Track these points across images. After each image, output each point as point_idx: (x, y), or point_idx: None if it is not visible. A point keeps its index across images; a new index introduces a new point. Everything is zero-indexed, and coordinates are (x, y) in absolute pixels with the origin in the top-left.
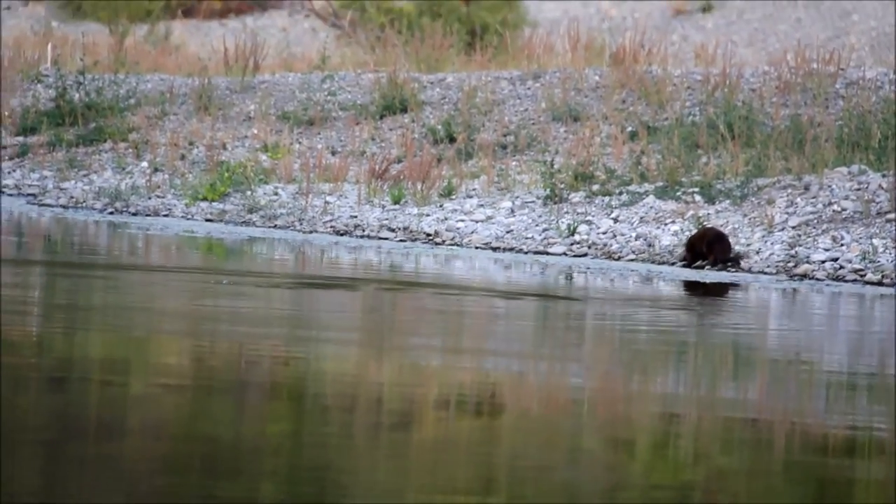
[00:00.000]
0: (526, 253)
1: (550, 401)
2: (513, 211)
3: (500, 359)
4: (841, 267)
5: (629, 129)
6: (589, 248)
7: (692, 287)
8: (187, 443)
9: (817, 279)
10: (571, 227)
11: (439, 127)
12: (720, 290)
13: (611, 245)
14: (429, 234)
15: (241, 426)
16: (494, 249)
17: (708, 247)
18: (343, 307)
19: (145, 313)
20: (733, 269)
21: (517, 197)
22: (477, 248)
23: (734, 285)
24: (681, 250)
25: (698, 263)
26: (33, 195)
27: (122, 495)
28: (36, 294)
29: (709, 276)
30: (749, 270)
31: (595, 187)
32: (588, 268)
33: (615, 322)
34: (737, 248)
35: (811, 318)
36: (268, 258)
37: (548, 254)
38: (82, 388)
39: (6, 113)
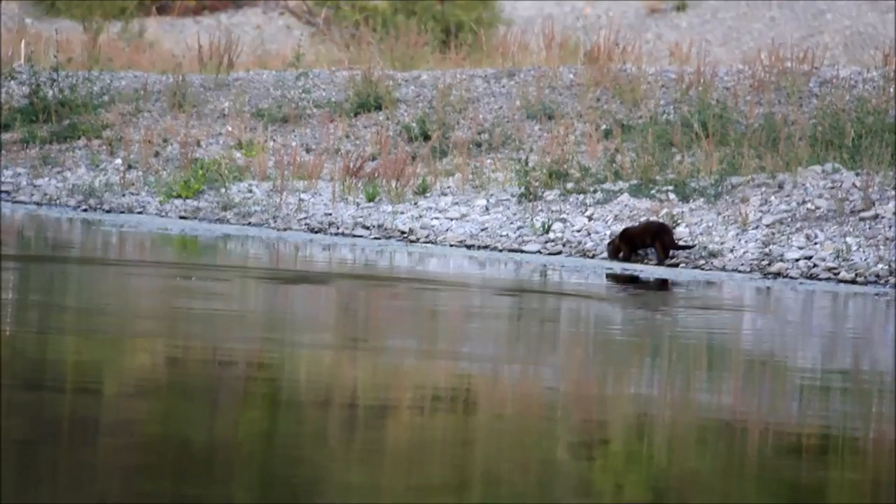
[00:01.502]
0: (500, 251)
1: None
2: (487, 209)
3: (447, 358)
4: (815, 265)
5: (603, 127)
6: (563, 246)
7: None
8: (157, 446)
9: (791, 277)
10: (546, 225)
11: (414, 125)
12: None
13: (585, 243)
14: (403, 232)
15: (208, 427)
16: (469, 247)
17: (654, 238)
18: (302, 303)
19: (111, 311)
20: (685, 258)
21: (492, 195)
22: (451, 245)
23: (708, 282)
24: (606, 246)
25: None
26: (7, 192)
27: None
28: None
29: (683, 273)
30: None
31: (569, 185)
32: (562, 265)
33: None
34: (711, 245)
35: (784, 316)
36: (240, 255)
37: (522, 252)
38: (47, 390)
39: None
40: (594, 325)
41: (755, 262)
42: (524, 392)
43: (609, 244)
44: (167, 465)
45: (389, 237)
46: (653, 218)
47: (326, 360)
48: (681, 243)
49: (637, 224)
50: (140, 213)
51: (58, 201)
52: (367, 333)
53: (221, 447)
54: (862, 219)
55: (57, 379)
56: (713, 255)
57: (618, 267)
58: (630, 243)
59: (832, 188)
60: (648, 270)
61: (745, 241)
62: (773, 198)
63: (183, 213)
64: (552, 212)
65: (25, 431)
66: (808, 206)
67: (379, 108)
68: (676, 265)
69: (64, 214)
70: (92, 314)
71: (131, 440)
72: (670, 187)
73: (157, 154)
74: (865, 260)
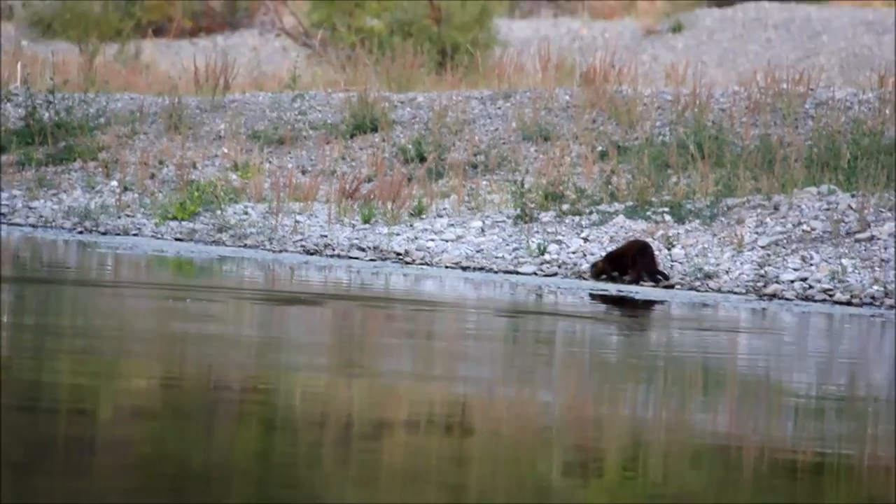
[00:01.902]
0: (496, 272)
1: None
2: (483, 230)
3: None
4: (810, 287)
5: (599, 148)
6: (559, 267)
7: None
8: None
9: (787, 299)
10: (541, 247)
11: (410, 146)
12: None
13: (581, 265)
14: (399, 254)
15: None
16: (464, 269)
17: (632, 260)
18: (296, 325)
19: (106, 333)
20: (660, 283)
21: (487, 216)
22: (447, 267)
23: (704, 304)
24: (590, 268)
25: (624, 277)
26: (2, 214)
27: None
28: None
29: (678, 295)
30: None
31: (565, 207)
32: (558, 287)
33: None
34: (706, 267)
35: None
36: (235, 277)
37: (518, 273)
38: (39, 413)
39: None
40: (560, 344)
41: (751, 283)
42: (511, 412)
43: (592, 266)
44: (161, 487)
45: (385, 259)
46: (640, 237)
47: (319, 383)
48: (660, 270)
49: (621, 245)
50: (136, 235)
51: (53, 223)
52: (360, 355)
53: (216, 468)
54: (857, 240)
55: (50, 401)
56: (709, 276)
57: (613, 288)
58: (616, 263)
59: (828, 210)
60: (643, 292)
61: (741, 263)
62: (768, 219)
63: (179, 235)
64: (548, 233)
65: (18, 454)
66: (804, 227)
67: (375, 129)
68: (672, 286)
69: (60, 237)
70: (86, 336)
71: (125, 462)
72: (666, 209)
73: (152, 176)
74: (861, 282)
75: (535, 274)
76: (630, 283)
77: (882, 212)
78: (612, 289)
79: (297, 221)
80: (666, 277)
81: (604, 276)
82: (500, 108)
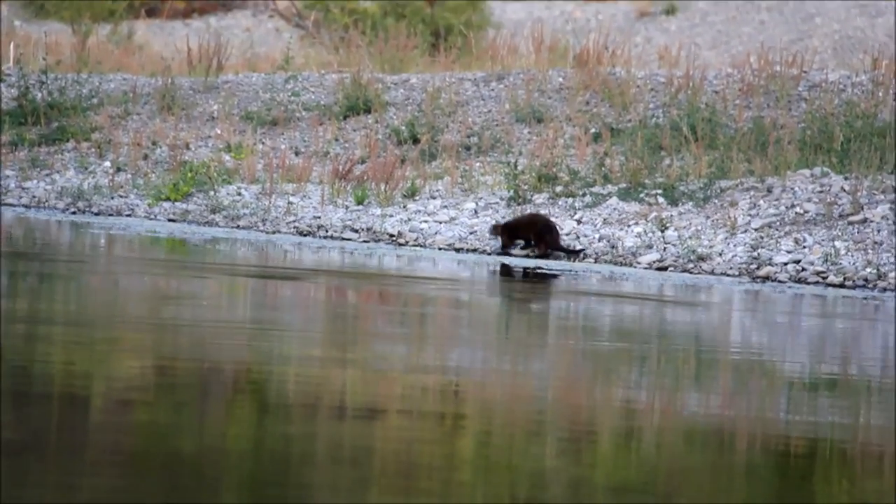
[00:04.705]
0: (489, 254)
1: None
2: (476, 212)
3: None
4: (803, 269)
5: (593, 130)
6: None
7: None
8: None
9: (780, 281)
10: None
11: (403, 128)
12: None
13: (573, 246)
14: (392, 235)
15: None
16: (458, 250)
17: (538, 236)
18: (288, 305)
19: (99, 312)
20: (568, 258)
21: (481, 198)
22: (440, 249)
23: (694, 286)
24: (490, 228)
25: (517, 252)
26: None
27: None
28: None
29: (671, 277)
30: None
31: (558, 189)
32: (550, 269)
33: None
34: (699, 249)
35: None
36: (228, 258)
37: (511, 255)
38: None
39: None
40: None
41: (744, 265)
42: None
43: (493, 227)
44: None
45: (378, 240)
46: (542, 212)
47: (312, 364)
48: (566, 245)
49: (522, 216)
50: (129, 215)
51: (46, 204)
52: (348, 333)
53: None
54: (850, 223)
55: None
56: (702, 258)
57: (606, 270)
58: (511, 234)
59: (821, 192)
60: (636, 274)
61: (734, 245)
62: (761, 202)
63: (172, 216)
64: None
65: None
66: (797, 210)
67: (368, 111)
68: (665, 268)
69: (52, 217)
70: (79, 316)
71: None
72: (659, 191)
73: (145, 157)
74: (854, 264)
75: (528, 256)
76: (537, 257)
77: (875, 194)
78: (605, 270)
79: (290, 203)
80: (578, 252)
81: (500, 243)
82: (493, 89)
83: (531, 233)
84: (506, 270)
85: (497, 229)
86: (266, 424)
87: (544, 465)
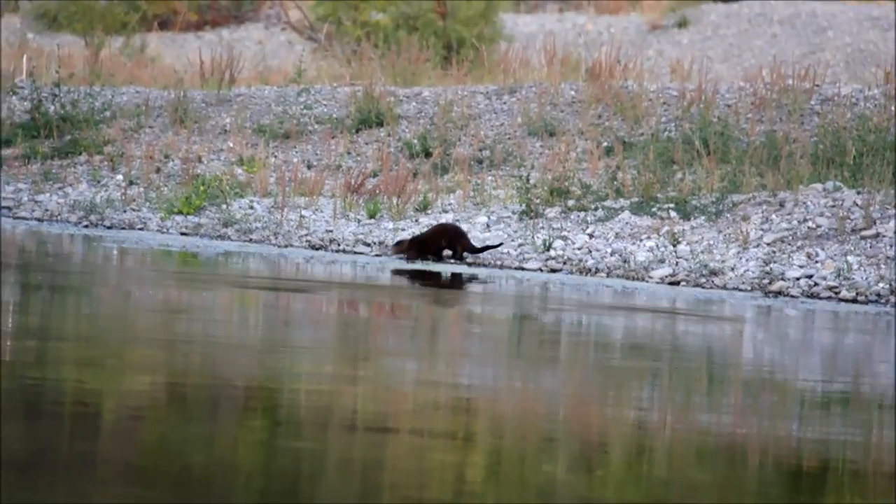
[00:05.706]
0: (502, 268)
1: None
2: (488, 226)
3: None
4: (815, 284)
5: (605, 144)
6: (564, 263)
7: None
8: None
9: (792, 296)
10: (547, 243)
11: (415, 141)
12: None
13: (586, 261)
14: None
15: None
16: (469, 265)
17: (451, 242)
18: (300, 318)
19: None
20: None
21: (493, 212)
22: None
23: (708, 301)
24: (394, 245)
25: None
26: (7, 208)
27: None
28: None
29: (683, 292)
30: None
31: (570, 203)
32: (562, 283)
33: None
34: (711, 264)
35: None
36: (240, 272)
37: (524, 269)
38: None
39: None
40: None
41: (756, 280)
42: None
43: (397, 243)
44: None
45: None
46: (446, 221)
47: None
48: (479, 245)
49: (427, 229)
50: (141, 229)
51: (59, 217)
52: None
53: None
54: (863, 237)
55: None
56: (714, 273)
57: (618, 285)
58: (420, 248)
59: (833, 206)
60: (648, 288)
61: (746, 260)
62: (774, 216)
63: (184, 230)
64: (553, 229)
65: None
66: (809, 224)
67: (380, 124)
68: (677, 283)
69: (65, 230)
70: (90, 330)
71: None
72: (671, 205)
73: (158, 170)
74: (866, 279)
75: (541, 270)
76: (455, 262)
77: (887, 209)
78: (617, 285)
79: (302, 216)
80: (497, 246)
81: (406, 257)
82: (505, 103)
83: (442, 242)
84: (518, 281)
85: (403, 245)
86: (277, 439)
87: (555, 479)
